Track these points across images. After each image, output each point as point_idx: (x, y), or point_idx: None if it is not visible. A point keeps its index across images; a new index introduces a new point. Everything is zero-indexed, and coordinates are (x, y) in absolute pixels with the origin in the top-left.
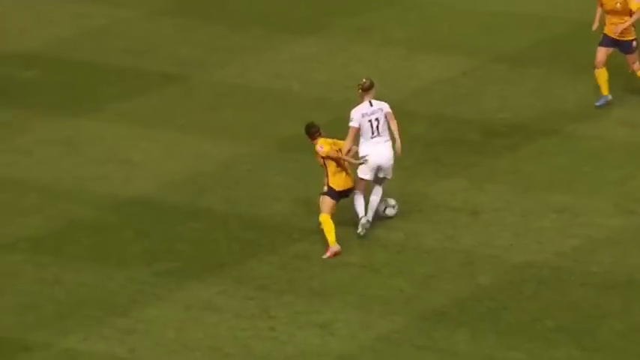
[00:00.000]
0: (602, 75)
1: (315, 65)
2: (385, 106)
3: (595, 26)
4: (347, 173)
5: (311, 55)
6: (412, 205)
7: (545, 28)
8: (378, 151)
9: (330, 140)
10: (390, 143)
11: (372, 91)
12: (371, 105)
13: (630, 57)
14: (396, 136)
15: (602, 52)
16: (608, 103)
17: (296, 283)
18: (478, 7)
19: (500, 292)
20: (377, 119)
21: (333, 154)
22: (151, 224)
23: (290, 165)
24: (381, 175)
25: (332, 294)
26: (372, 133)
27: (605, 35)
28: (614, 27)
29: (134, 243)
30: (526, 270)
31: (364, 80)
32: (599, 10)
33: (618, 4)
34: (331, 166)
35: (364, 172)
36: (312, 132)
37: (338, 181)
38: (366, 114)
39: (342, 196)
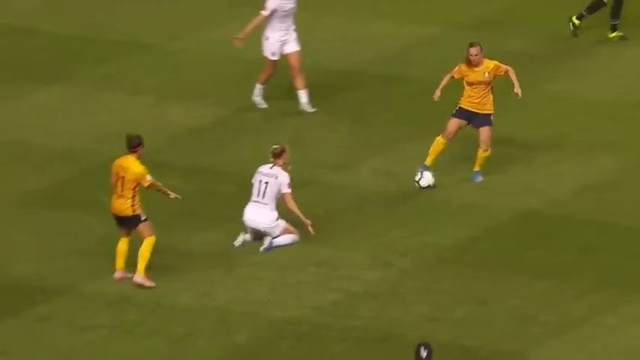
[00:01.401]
0: (439, 146)
1: (60, 115)
2: (282, 179)
3: (437, 95)
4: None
5: (55, 105)
6: (166, 261)
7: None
8: (252, 214)
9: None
10: (268, 209)
11: (283, 157)
12: (270, 168)
13: (485, 130)
14: (301, 217)
15: (454, 124)
16: (423, 173)
17: (39, 348)
18: (232, 54)
19: (257, 350)
20: (266, 183)
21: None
22: None
23: (35, 221)
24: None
25: (80, 359)
26: (257, 195)
27: (461, 108)
28: (471, 100)
29: None
30: (284, 326)
31: (275, 147)
32: (447, 80)
33: (486, 74)
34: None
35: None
36: (135, 144)
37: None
38: (261, 172)
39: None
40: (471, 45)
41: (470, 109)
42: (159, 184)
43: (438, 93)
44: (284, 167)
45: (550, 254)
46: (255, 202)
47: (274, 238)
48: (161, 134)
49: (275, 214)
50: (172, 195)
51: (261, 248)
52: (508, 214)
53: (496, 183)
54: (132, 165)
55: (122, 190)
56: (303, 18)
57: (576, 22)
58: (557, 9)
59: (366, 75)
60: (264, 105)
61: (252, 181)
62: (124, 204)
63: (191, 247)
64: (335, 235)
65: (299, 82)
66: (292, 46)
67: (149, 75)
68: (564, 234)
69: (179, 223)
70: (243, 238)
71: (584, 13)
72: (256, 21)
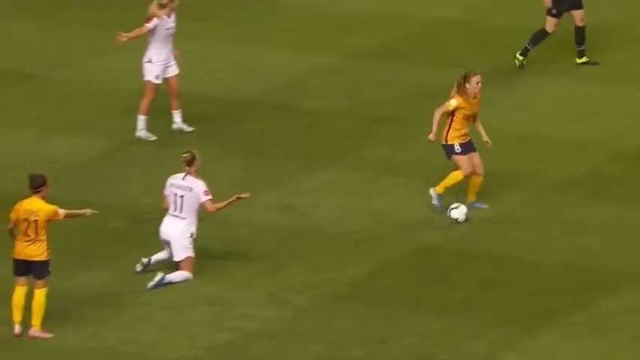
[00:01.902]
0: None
1: None
2: (198, 189)
3: (434, 136)
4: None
5: None
6: (53, 302)
7: (202, 104)
8: (166, 227)
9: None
10: (185, 223)
11: (195, 164)
12: (183, 179)
13: (477, 155)
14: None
15: (469, 160)
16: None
17: None
18: (118, 85)
19: None
20: (181, 197)
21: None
22: None
23: None
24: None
25: None
26: (175, 209)
27: (461, 144)
28: (462, 132)
29: None
30: None
31: (184, 155)
32: (440, 116)
33: (476, 104)
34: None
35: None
36: (39, 184)
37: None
38: (174, 185)
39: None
40: (474, 74)
41: (465, 142)
42: (71, 211)
43: (434, 132)
44: (197, 175)
45: (450, 290)
46: (173, 215)
47: (166, 275)
48: (45, 169)
49: (190, 229)
50: (89, 212)
51: (149, 284)
52: (407, 248)
53: (394, 217)
54: (41, 206)
55: (37, 235)
56: (193, 47)
57: (520, 57)
58: (455, 39)
59: (260, 106)
60: (152, 137)
61: (166, 192)
62: (39, 249)
63: (78, 286)
64: (229, 272)
65: (176, 103)
66: (174, 69)
67: (31, 107)
68: (464, 269)
69: (65, 261)
70: (149, 259)
71: (528, 46)
72: (141, 31)
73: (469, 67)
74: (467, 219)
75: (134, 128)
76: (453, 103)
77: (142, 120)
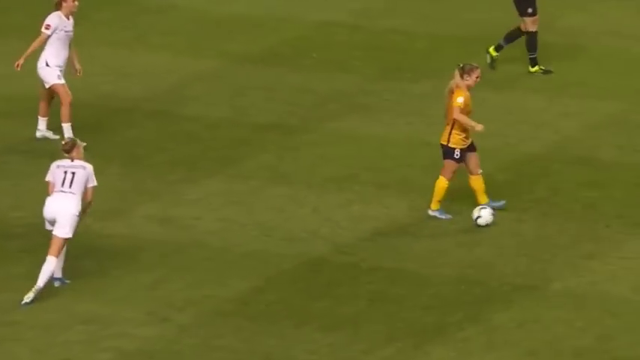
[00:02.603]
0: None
1: None
2: (90, 170)
3: (480, 126)
4: None
5: None
6: None
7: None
8: (55, 204)
9: None
10: (75, 199)
11: (76, 149)
12: (72, 161)
13: (475, 154)
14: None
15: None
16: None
17: None
18: None
19: None
20: (73, 173)
21: None
22: None
23: None
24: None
25: None
26: (62, 185)
27: (462, 150)
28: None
29: None
30: None
31: (63, 142)
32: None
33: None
34: None
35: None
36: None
37: None
38: (63, 165)
39: None
40: (475, 67)
41: (466, 147)
42: None
43: (476, 125)
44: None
45: (338, 304)
46: (61, 192)
47: (37, 285)
48: None
49: (78, 207)
50: None
51: (25, 300)
52: (293, 262)
53: (279, 229)
54: None
55: None
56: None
57: (493, 53)
58: (341, 44)
59: (138, 112)
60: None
61: (50, 177)
62: None
63: None
64: (105, 289)
65: (46, 110)
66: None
67: None
68: (353, 282)
69: None
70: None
71: (501, 43)
72: (39, 40)
73: (357, 72)
74: (494, 217)
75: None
76: (460, 100)
77: (66, 128)
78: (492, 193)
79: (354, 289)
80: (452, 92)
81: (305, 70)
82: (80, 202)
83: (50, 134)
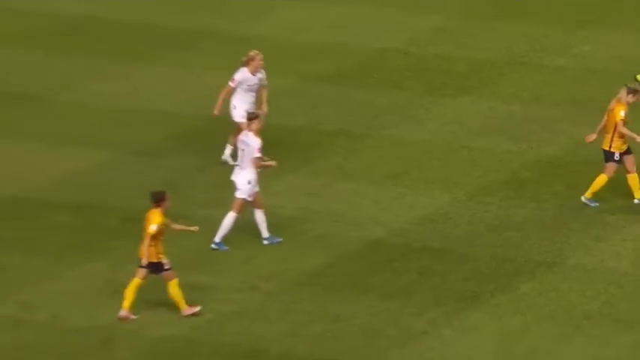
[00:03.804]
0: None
1: None
2: (254, 145)
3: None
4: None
5: None
6: (58, 287)
7: (173, 124)
8: (234, 174)
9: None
10: (243, 173)
11: (254, 124)
12: (246, 135)
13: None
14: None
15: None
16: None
17: None
18: (109, 105)
19: None
20: (242, 150)
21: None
22: None
23: None
24: None
25: None
26: (236, 160)
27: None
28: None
29: None
30: (162, 343)
31: (250, 114)
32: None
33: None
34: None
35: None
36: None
37: None
38: (240, 140)
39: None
40: (636, 90)
41: (625, 150)
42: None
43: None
44: (254, 135)
45: (393, 277)
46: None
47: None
48: (49, 176)
49: (248, 177)
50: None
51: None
52: (357, 242)
53: (346, 216)
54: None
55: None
56: (175, 73)
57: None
58: (395, 66)
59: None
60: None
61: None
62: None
63: (78, 276)
64: (207, 263)
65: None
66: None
67: (35, 124)
68: (405, 259)
69: (69, 254)
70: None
71: None
72: (225, 92)
73: (408, 89)
74: None
75: (125, 142)
76: (623, 114)
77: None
78: (519, 188)
79: (407, 265)
80: (613, 108)
81: (366, 87)
82: (251, 172)
83: (230, 160)
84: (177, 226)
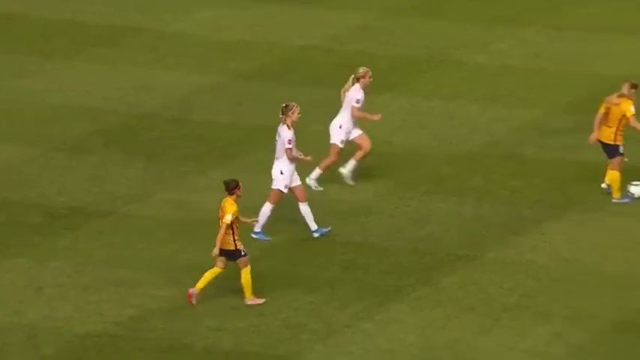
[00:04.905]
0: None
1: None
2: (284, 136)
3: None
4: None
5: None
6: None
7: (98, 120)
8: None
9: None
10: (276, 163)
11: (284, 118)
12: (281, 126)
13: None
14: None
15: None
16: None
17: None
18: (34, 101)
19: None
20: (276, 140)
21: None
22: None
23: None
24: None
25: None
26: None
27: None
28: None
29: None
30: (87, 339)
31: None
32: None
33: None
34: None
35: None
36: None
37: None
38: (277, 131)
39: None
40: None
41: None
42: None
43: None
44: (288, 126)
45: (317, 272)
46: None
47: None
48: None
49: (279, 167)
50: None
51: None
52: (282, 237)
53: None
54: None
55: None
56: (99, 70)
57: None
58: (318, 63)
59: (158, 118)
60: (319, 188)
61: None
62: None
63: (2, 272)
64: (132, 259)
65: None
66: (357, 131)
67: None
68: (329, 254)
69: None
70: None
71: None
72: (357, 115)
73: (332, 86)
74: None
75: (50, 138)
76: (633, 109)
77: (316, 172)
78: (439, 183)
79: (330, 259)
80: (618, 103)
81: (290, 84)
82: (282, 163)
83: (349, 179)
84: (242, 218)
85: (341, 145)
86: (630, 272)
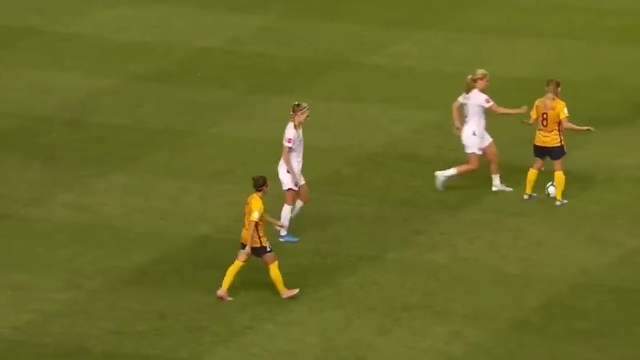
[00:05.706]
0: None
1: None
2: (286, 133)
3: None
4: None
5: None
6: None
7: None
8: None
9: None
10: (282, 165)
11: (294, 116)
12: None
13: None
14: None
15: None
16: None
17: None
18: None
19: None
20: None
21: None
22: None
23: None
24: None
25: None
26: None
27: None
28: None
29: None
30: None
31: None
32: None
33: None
34: None
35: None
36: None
37: None
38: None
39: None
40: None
41: None
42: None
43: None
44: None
45: (218, 274)
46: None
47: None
48: None
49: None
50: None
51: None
52: (182, 239)
53: (172, 213)
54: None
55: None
56: None
57: None
58: (218, 65)
59: (56, 120)
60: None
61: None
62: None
63: None
64: (30, 262)
65: (494, 167)
66: (488, 138)
67: None
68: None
69: None
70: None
71: None
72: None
73: (232, 88)
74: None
75: None
76: (566, 111)
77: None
78: (340, 184)
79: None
80: (553, 107)
81: (190, 86)
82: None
83: (505, 187)
84: (268, 218)
85: (479, 153)
86: (527, 271)
